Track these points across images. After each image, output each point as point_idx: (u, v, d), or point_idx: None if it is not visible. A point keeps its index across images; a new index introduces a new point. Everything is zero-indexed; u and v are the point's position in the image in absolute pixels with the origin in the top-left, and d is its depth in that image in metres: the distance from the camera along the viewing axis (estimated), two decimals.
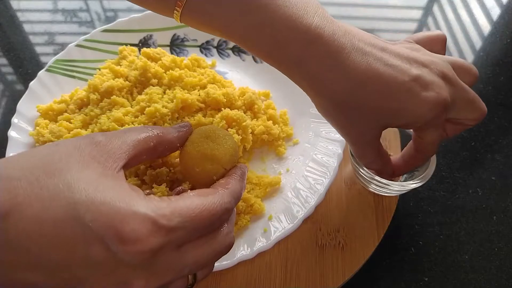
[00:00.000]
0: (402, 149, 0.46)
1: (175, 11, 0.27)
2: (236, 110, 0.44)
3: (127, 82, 0.47)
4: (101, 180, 0.20)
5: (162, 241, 0.20)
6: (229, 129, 0.42)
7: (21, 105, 0.47)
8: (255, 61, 0.54)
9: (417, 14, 0.71)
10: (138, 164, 0.27)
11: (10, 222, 0.18)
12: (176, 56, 0.50)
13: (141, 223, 0.19)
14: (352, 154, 0.41)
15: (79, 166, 0.20)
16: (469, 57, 0.61)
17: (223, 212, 0.23)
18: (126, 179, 0.22)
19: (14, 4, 0.71)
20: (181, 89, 0.45)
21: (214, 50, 0.55)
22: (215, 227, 0.24)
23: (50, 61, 0.52)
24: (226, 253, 0.25)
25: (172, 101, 0.43)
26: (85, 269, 0.19)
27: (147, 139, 0.24)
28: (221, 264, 0.36)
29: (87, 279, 0.19)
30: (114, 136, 0.23)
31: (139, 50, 0.53)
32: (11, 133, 0.45)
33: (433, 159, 0.40)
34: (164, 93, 0.46)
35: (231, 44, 0.55)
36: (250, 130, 0.43)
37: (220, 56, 0.55)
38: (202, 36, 0.55)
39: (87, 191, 0.19)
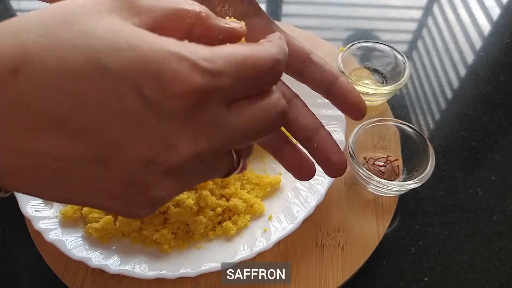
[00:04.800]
0: (402, 149, 0.46)
1: None
2: None
3: None
4: (124, 28, 0.16)
5: (207, 83, 0.16)
6: None
7: None
8: None
9: (417, 14, 0.71)
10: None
11: (22, 78, 0.14)
12: None
13: (180, 63, 0.15)
14: (352, 154, 0.41)
15: (96, 16, 0.16)
16: (469, 57, 0.61)
17: (272, 63, 0.19)
18: None
19: (14, 4, 0.71)
20: None
21: None
22: (265, 84, 0.19)
23: None
24: (278, 123, 0.20)
25: None
26: (118, 127, 0.15)
27: (184, 12, 0.19)
28: (221, 264, 0.36)
29: (121, 142, 0.16)
30: None
31: None
32: None
33: (432, 158, 0.41)
34: None
35: None
36: None
37: None
38: None
39: (109, 37, 0.15)
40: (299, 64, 0.27)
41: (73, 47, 0.15)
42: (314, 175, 0.26)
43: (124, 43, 0.15)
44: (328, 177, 0.42)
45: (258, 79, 0.18)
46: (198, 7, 0.20)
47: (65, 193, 0.17)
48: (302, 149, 0.27)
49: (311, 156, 0.26)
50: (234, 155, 0.21)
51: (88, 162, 0.16)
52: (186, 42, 0.17)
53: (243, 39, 0.22)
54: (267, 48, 0.19)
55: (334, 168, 0.26)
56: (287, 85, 0.27)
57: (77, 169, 0.16)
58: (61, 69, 0.15)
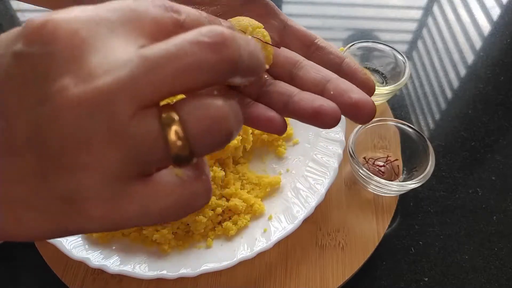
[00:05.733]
0: (402, 149, 0.46)
1: None
2: None
3: None
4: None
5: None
6: None
7: None
8: None
9: (417, 14, 0.71)
10: None
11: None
12: None
13: (39, 16, 0.14)
14: (352, 154, 0.41)
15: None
16: (469, 57, 0.61)
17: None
18: None
19: (14, 4, 0.71)
20: None
21: None
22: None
23: None
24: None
25: None
26: (3, 94, 0.14)
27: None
28: (221, 264, 0.36)
29: (10, 112, 0.14)
30: None
31: None
32: None
33: (432, 158, 0.41)
34: None
35: None
36: (250, 131, 0.43)
37: None
38: None
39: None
40: (307, 48, 0.27)
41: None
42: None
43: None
44: (328, 177, 0.42)
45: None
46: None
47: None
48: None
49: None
50: (176, 127, 0.14)
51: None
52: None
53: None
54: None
55: (361, 109, 0.22)
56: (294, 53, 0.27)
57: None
58: None
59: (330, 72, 0.25)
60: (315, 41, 0.27)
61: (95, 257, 0.36)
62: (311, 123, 0.22)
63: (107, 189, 0.14)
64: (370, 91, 0.25)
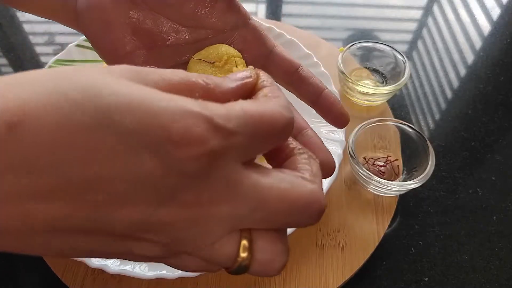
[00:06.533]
0: (402, 149, 0.46)
1: None
2: None
3: None
4: (136, 87, 0.15)
5: (223, 144, 0.15)
6: None
7: None
8: None
9: (417, 14, 0.71)
10: None
11: (19, 133, 0.13)
12: None
13: (196, 121, 0.15)
14: (352, 154, 0.41)
15: (104, 76, 0.15)
16: (469, 57, 0.61)
17: (284, 121, 0.18)
18: None
19: None
20: None
21: None
22: (277, 141, 0.19)
23: (50, 61, 0.51)
24: (312, 218, 0.18)
25: None
26: (126, 184, 0.14)
27: (192, 84, 0.18)
28: None
29: (123, 200, 0.15)
30: (154, 70, 0.17)
31: None
32: None
33: (432, 158, 0.41)
34: None
35: None
36: None
37: None
38: None
39: (119, 93, 0.14)
40: (288, 77, 0.28)
41: (79, 102, 0.14)
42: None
43: (138, 98, 0.14)
44: (328, 177, 0.42)
45: (272, 139, 0.18)
46: (207, 81, 0.19)
47: (57, 249, 0.17)
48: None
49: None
50: (246, 242, 0.17)
51: (82, 221, 0.15)
52: (200, 100, 0.16)
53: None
54: (276, 106, 0.18)
55: (323, 168, 0.24)
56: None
57: (71, 229, 0.15)
58: (65, 124, 0.13)
59: (303, 121, 0.27)
60: (298, 69, 0.28)
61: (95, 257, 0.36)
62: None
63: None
64: (344, 124, 0.28)
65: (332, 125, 0.28)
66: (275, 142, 0.19)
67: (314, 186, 0.17)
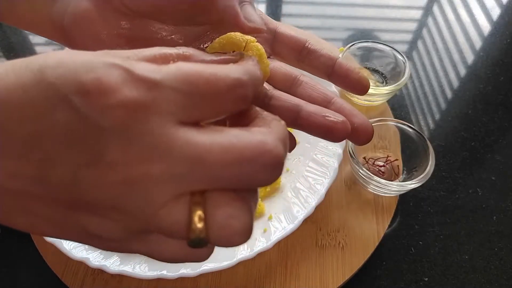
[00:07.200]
0: (402, 149, 0.46)
1: None
2: None
3: None
4: (90, 53, 0.16)
5: (141, 96, 0.14)
6: None
7: None
8: None
9: (417, 14, 0.71)
10: None
11: None
12: None
13: (110, 71, 0.15)
14: (352, 154, 0.41)
15: (67, 51, 0.16)
16: (469, 57, 0.61)
17: (232, 83, 0.16)
18: None
19: None
20: None
21: None
22: (225, 107, 0.17)
23: None
24: (268, 175, 0.16)
25: None
26: (54, 141, 0.15)
27: (166, 55, 0.17)
28: (221, 264, 0.36)
29: (55, 158, 0.15)
30: (124, 51, 0.17)
31: None
32: None
33: (432, 158, 0.41)
34: None
35: None
36: None
37: None
38: None
39: (63, 54, 0.15)
40: (299, 54, 0.27)
41: (29, 65, 0.15)
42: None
43: (73, 57, 0.15)
44: (328, 177, 0.42)
45: (214, 100, 0.16)
46: (182, 49, 0.18)
47: (27, 220, 0.17)
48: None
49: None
50: (200, 211, 0.15)
51: (29, 181, 0.15)
52: (136, 52, 0.16)
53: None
54: (231, 68, 0.17)
55: (361, 133, 0.24)
56: (290, 66, 0.27)
57: (24, 191, 0.15)
58: (14, 83, 0.15)
59: (329, 92, 0.25)
60: (306, 45, 0.27)
61: (95, 257, 0.36)
62: (322, 137, 0.24)
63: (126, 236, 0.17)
64: (364, 89, 0.27)
65: (353, 92, 0.27)
66: (223, 105, 0.17)
67: (265, 136, 0.16)
